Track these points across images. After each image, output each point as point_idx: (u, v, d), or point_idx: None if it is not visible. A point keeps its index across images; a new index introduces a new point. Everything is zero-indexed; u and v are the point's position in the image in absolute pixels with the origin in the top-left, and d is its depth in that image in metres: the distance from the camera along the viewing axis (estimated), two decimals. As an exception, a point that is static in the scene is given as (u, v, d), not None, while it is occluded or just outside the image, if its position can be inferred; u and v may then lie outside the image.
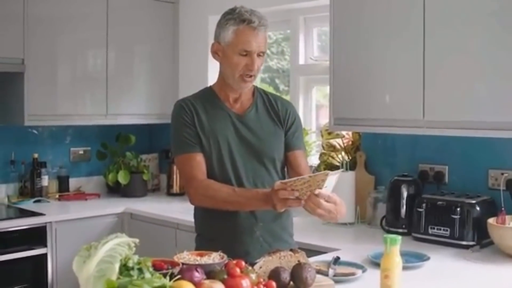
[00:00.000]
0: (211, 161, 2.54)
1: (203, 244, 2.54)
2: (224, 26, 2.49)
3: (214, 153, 2.53)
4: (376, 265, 2.48)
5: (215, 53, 2.56)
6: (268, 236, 2.57)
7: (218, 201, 2.46)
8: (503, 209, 2.94)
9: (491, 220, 2.89)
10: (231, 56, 2.48)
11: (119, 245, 1.76)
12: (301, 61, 4.31)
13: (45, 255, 3.86)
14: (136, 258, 1.76)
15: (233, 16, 2.48)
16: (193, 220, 3.17)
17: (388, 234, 2.15)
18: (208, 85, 2.72)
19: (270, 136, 2.60)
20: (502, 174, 3.15)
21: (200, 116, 2.55)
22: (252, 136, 2.57)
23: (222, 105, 2.58)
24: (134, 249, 1.79)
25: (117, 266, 1.71)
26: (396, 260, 2.06)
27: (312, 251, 2.87)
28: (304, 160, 2.71)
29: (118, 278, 1.70)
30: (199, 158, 2.52)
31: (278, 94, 2.94)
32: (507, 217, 2.90)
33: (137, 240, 1.81)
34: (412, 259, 2.64)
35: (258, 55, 2.48)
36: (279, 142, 2.61)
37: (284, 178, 2.67)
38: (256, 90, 2.66)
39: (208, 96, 2.61)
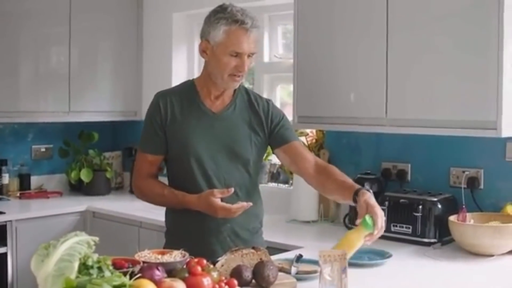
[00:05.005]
0: (178, 161, 2.53)
1: (173, 240, 2.55)
2: (215, 25, 2.42)
3: (183, 152, 2.51)
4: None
5: (203, 52, 2.49)
6: (235, 237, 2.56)
7: (152, 202, 2.64)
8: (463, 206, 2.97)
9: (452, 218, 2.92)
10: (221, 56, 2.43)
11: (78, 244, 1.74)
12: (266, 59, 4.30)
13: (5, 254, 3.80)
14: (95, 256, 1.74)
15: (224, 16, 2.41)
16: (156, 218, 3.13)
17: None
18: (191, 79, 2.69)
19: (245, 136, 2.56)
20: (463, 172, 3.19)
21: (175, 113, 2.52)
22: (227, 135, 2.54)
23: (200, 102, 2.55)
24: (94, 247, 1.77)
25: (76, 264, 1.69)
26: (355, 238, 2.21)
27: (275, 249, 2.87)
28: (305, 149, 2.66)
29: (77, 277, 1.67)
30: (151, 159, 2.58)
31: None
32: (468, 214, 2.93)
33: (96, 239, 1.79)
34: (374, 257, 2.65)
35: (248, 56, 2.44)
36: (254, 143, 2.58)
37: (256, 179, 2.67)
38: (237, 88, 2.60)
39: (188, 91, 2.57)
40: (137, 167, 2.64)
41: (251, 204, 2.40)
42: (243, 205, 2.36)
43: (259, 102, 2.63)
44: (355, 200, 2.35)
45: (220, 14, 2.43)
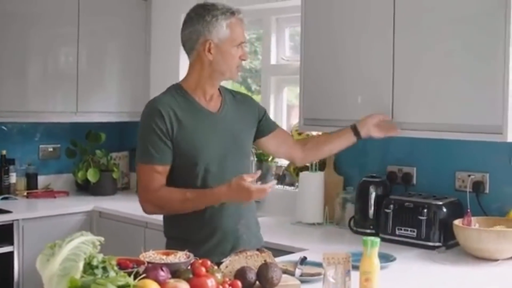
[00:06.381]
0: (187, 164, 2.49)
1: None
2: (214, 23, 2.45)
3: (192, 156, 2.47)
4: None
5: (208, 52, 2.47)
6: (248, 232, 2.60)
7: (171, 211, 2.53)
8: (468, 210, 2.97)
9: (456, 222, 2.92)
10: (229, 50, 2.49)
11: (84, 244, 1.75)
12: (273, 61, 4.31)
13: (11, 253, 3.83)
14: (100, 256, 1.75)
15: (220, 11, 2.47)
16: (162, 219, 3.13)
17: (368, 237, 2.11)
18: (174, 83, 2.62)
19: (244, 131, 2.64)
20: (469, 176, 3.19)
21: (179, 119, 2.46)
22: (230, 133, 2.57)
23: (197, 104, 2.53)
24: (99, 247, 1.78)
25: (81, 264, 1.70)
26: (376, 263, 2.07)
27: (279, 251, 2.88)
28: (286, 132, 2.93)
29: (82, 276, 1.69)
30: (161, 170, 2.47)
31: (249, 94, 2.98)
32: (473, 218, 2.93)
33: (102, 239, 1.80)
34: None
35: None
36: (251, 136, 2.68)
37: (250, 169, 2.75)
38: (221, 87, 2.66)
39: (182, 95, 2.53)
40: (145, 182, 2.49)
41: (276, 181, 2.52)
42: (273, 182, 2.48)
43: (243, 97, 2.77)
44: (355, 130, 2.87)
45: (214, 12, 2.48)
